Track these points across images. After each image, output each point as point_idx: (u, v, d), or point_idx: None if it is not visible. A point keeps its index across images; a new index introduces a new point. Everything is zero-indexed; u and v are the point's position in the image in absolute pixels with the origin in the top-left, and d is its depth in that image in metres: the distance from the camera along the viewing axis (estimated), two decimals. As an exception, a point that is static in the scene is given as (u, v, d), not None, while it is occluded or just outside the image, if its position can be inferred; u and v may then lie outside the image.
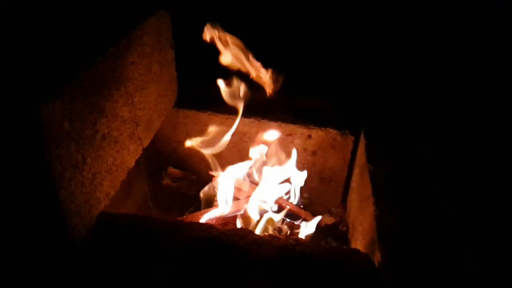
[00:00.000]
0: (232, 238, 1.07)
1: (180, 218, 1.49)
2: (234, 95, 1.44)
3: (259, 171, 1.52)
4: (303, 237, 1.41)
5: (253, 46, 1.34)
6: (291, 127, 1.52)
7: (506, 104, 1.67)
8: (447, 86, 1.75)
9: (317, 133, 1.52)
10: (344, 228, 1.54)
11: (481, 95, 1.72)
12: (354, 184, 1.53)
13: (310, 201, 1.64)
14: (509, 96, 1.65)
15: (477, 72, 1.69)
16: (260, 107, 1.62)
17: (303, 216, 1.57)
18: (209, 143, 1.46)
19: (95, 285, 0.95)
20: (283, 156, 1.50)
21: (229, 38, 1.37)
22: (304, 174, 1.51)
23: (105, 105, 1.03)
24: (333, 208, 1.64)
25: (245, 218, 1.43)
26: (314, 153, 1.56)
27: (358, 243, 1.31)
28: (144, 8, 1.23)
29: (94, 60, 0.96)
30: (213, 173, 1.54)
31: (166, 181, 1.66)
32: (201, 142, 1.46)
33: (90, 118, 0.97)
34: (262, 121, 1.54)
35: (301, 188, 1.56)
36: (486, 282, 0.98)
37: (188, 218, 1.50)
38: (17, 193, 0.90)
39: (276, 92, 1.48)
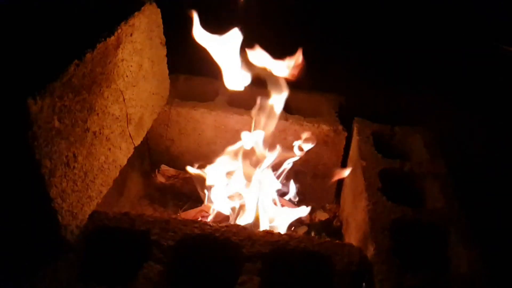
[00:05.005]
0: (226, 235, 1.07)
1: (174, 216, 1.48)
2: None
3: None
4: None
5: (247, 40, 1.34)
6: (284, 124, 1.52)
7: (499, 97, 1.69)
8: (439, 81, 1.76)
9: (310, 130, 1.52)
10: (338, 223, 1.54)
11: (475, 90, 1.73)
12: (347, 180, 1.54)
13: (304, 197, 1.65)
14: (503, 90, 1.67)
15: (471, 66, 1.71)
16: (253, 104, 1.62)
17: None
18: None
19: (87, 284, 0.94)
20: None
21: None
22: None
23: (96, 102, 1.03)
24: (327, 204, 1.65)
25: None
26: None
27: (352, 238, 1.31)
28: (134, 4, 1.22)
29: (83, 57, 0.95)
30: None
31: (159, 179, 1.65)
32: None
33: (81, 115, 0.97)
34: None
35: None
36: (477, 275, 0.98)
37: (182, 216, 1.50)
38: (7, 192, 0.89)
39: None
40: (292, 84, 1.58)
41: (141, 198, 1.62)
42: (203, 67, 1.75)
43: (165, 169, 1.67)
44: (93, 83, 1.01)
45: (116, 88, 1.12)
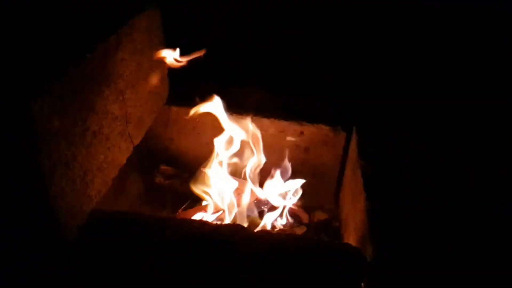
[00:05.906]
0: (224, 234, 1.07)
1: (172, 216, 1.48)
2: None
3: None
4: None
5: (245, 42, 1.34)
6: (283, 124, 1.52)
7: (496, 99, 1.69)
8: (437, 81, 1.76)
9: (309, 130, 1.52)
10: (337, 224, 1.54)
11: (473, 92, 1.73)
12: (346, 180, 1.54)
13: (303, 197, 1.65)
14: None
15: (469, 68, 1.71)
16: (252, 104, 1.62)
17: (296, 213, 1.58)
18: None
19: (86, 283, 0.94)
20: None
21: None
22: None
23: (95, 102, 1.03)
24: (326, 204, 1.65)
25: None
26: (306, 149, 1.56)
27: (351, 238, 1.31)
28: (134, 5, 1.22)
29: (83, 57, 0.95)
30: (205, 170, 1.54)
31: (158, 179, 1.65)
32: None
33: (80, 115, 0.97)
34: (254, 118, 1.53)
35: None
36: (477, 276, 0.99)
37: (181, 215, 1.50)
38: (6, 191, 0.89)
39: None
40: (292, 85, 1.58)
41: (140, 198, 1.62)
42: (203, 67, 1.75)
43: (164, 168, 1.67)
44: (93, 83, 1.01)
45: (116, 88, 1.12)
